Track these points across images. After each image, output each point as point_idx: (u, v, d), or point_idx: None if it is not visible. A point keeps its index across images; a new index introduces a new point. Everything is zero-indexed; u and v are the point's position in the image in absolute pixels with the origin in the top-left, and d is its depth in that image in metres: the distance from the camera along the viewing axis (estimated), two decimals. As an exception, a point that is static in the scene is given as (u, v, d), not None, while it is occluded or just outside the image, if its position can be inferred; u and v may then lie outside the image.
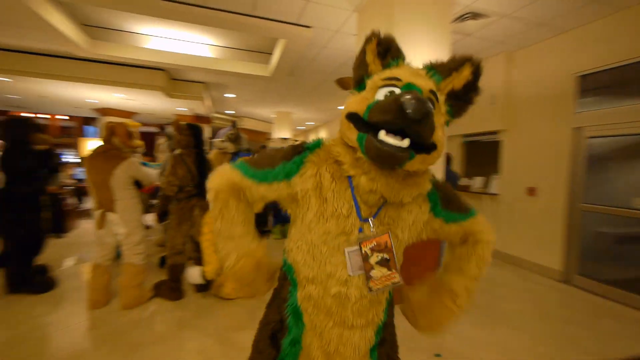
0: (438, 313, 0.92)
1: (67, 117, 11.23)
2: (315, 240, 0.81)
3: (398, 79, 0.75)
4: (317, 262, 0.81)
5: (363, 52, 0.84)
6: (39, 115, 10.94)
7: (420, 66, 0.86)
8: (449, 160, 3.71)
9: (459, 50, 4.49)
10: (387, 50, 0.82)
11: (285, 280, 0.91)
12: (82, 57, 5.57)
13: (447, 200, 0.90)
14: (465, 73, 0.78)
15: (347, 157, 0.79)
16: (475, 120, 4.96)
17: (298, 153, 0.85)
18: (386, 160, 0.72)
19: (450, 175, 3.56)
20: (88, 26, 4.95)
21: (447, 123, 0.83)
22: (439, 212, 0.90)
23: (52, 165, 3.24)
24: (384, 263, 0.82)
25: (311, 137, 13.67)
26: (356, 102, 0.78)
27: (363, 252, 0.79)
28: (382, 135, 0.69)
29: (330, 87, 6.38)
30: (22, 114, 10.72)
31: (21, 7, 3.69)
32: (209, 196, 0.84)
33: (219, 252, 0.86)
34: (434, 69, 0.82)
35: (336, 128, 3.32)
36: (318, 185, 0.81)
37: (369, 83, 0.80)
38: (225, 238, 0.84)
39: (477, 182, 5.15)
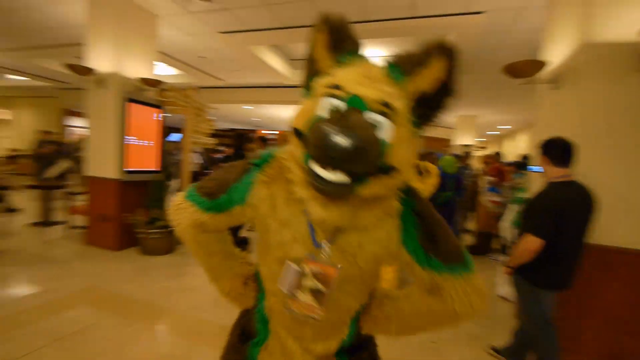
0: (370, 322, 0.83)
1: (286, 132, 14.88)
2: (273, 260, 0.75)
3: (341, 89, 0.59)
4: (276, 280, 0.75)
5: (311, 44, 0.67)
6: (273, 132, 15.11)
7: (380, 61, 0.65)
8: None
9: None
10: (339, 41, 0.64)
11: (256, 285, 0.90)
12: (289, 85, 7.24)
13: (430, 236, 0.69)
14: (435, 69, 0.58)
15: (297, 174, 0.66)
16: None
17: (246, 172, 0.75)
18: (325, 196, 0.59)
19: None
20: (292, 60, 6.39)
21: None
22: (412, 248, 0.69)
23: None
24: (315, 293, 0.70)
25: (506, 144, 11.61)
26: (301, 113, 0.64)
27: (301, 268, 0.69)
28: (315, 166, 0.56)
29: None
30: (263, 131, 15.11)
31: (252, 56, 5.27)
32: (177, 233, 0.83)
33: (210, 281, 0.90)
34: (395, 65, 0.61)
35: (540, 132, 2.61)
36: (272, 208, 0.72)
37: (315, 88, 0.64)
38: (207, 270, 0.88)
39: None
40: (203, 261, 0.86)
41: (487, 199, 4.86)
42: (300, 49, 5.75)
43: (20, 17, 4.48)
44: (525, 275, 1.69)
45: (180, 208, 0.79)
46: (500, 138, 14.73)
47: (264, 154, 0.77)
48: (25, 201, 5.58)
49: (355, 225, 0.66)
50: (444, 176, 4.62)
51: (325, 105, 0.60)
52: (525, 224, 1.64)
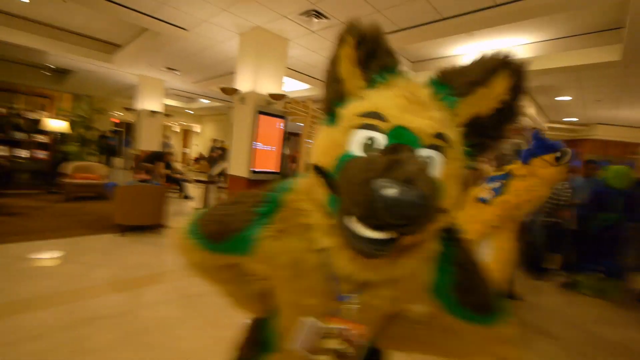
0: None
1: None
2: (287, 299, 0.69)
3: (381, 118, 0.47)
4: (290, 308, 0.71)
5: (335, 59, 0.54)
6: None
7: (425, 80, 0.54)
8: None
9: None
10: (372, 55, 0.52)
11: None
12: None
13: (465, 286, 0.61)
14: (498, 89, 0.48)
15: (318, 219, 0.55)
16: None
17: (251, 222, 0.61)
18: (365, 256, 0.49)
19: None
20: (414, 62, 6.11)
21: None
22: (442, 294, 0.61)
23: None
24: (341, 357, 0.59)
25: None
26: (324, 148, 0.52)
27: (323, 325, 0.59)
28: (354, 224, 0.45)
29: None
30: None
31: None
32: None
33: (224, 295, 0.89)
34: (446, 85, 0.51)
35: None
36: (282, 265, 0.60)
37: (343, 116, 0.52)
38: (220, 289, 0.86)
39: None
40: (215, 285, 0.84)
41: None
42: (420, 49, 5.44)
43: (202, 56, 6.06)
44: None
45: (185, 244, 0.71)
46: None
47: (271, 197, 0.62)
48: (197, 191, 7.44)
49: (388, 278, 0.56)
50: (607, 192, 3.42)
51: (359, 140, 0.48)
52: None
